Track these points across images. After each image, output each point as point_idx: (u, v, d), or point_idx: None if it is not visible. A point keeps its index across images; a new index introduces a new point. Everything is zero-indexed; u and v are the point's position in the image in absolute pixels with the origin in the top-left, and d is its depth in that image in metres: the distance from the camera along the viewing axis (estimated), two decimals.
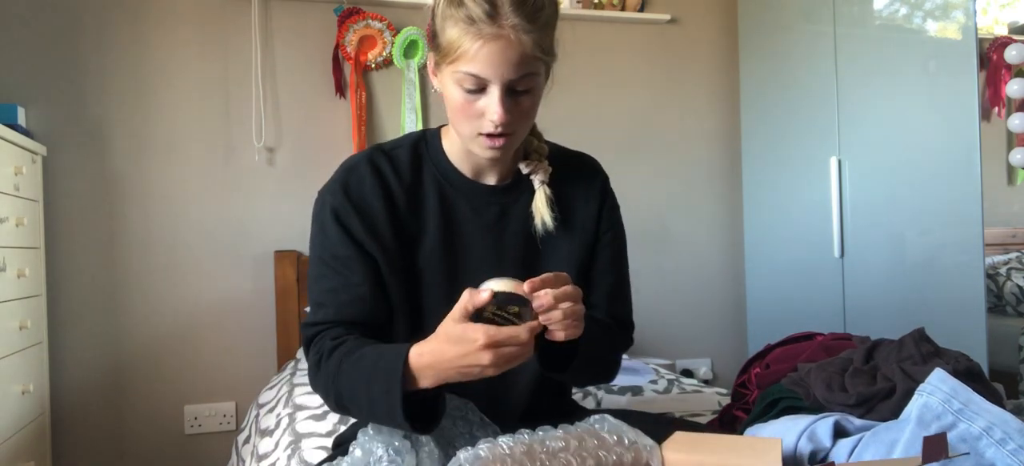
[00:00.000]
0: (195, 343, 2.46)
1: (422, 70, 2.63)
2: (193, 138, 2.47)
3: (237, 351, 2.48)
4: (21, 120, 2.21)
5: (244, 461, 1.79)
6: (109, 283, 2.39)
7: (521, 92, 0.96)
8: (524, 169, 1.09)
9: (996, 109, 2.88)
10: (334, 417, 1.61)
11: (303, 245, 2.51)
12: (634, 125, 2.92)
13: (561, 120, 2.82)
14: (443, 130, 1.11)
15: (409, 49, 2.62)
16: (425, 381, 0.86)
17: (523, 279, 0.85)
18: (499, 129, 0.95)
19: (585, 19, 2.82)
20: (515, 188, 1.09)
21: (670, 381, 1.94)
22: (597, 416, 0.90)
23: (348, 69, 2.59)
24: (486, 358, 0.81)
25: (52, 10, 2.34)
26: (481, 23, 0.90)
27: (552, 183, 1.09)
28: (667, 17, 2.93)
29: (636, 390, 1.84)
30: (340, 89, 2.59)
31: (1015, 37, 2.94)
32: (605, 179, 1.18)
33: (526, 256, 1.08)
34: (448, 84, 0.97)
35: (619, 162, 2.90)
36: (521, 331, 0.82)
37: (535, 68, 0.95)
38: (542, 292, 0.84)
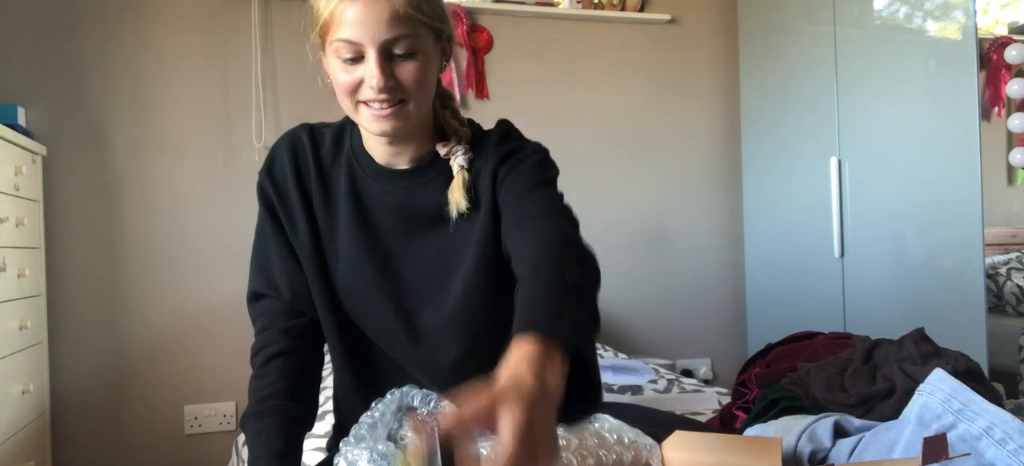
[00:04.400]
0: (195, 343, 2.46)
1: None
2: (193, 138, 2.47)
3: (237, 351, 2.48)
4: (21, 120, 2.21)
5: (244, 462, 1.79)
6: (109, 283, 2.39)
7: (402, 56, 0.91)
8: (441, 151, 1.03)
9: (996, 109, 2.88)
10: (331, 419, 1.61)
11: None
12: (634, 125, 2.92)
13: (562, 120, 2.82)
14: None
15: None
16: None
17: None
18: (380, 94, 0.91)
19: (585, 19, 2.82)
20: (426, 171, 1.03)
21: (670, 381, 1.94)
22: (597, 415, 0.90)
23: None
24: None
25: (52, 10, 2.34)
26: None
27: (469, 166, 1.03)
28: (667, 17, 2.93)
29: (636, 390, 1.84)
30: None
31: (1015, 37, 2.94)
32: (501, 145, 1.02)
33: (436, 242, 1.02)
34: (332, 66, 0.94)
35: (619, 162, 2.91)
36: None
37: (413, 30, 0.90)
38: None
